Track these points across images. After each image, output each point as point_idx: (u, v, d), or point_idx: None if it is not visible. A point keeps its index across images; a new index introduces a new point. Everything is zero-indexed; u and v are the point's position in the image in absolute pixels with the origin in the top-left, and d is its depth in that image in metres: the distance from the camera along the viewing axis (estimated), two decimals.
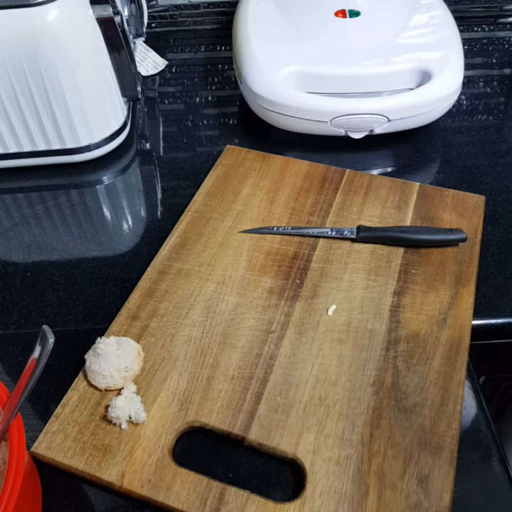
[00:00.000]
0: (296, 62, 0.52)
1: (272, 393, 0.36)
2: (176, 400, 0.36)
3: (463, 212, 0.47)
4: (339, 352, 0.38)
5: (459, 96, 0.56)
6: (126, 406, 0.35)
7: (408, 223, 0.47)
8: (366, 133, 0.51)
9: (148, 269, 0.44)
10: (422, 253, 0.44)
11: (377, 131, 0.51)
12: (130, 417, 0.35)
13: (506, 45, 0.68)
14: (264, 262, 0.44)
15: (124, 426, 0.34)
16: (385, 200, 0.49)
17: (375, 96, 0.51)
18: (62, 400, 0.36)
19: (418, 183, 0.50)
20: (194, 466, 0.34)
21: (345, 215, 0.48)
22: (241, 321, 0.40)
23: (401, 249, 0.44)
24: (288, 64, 0.52)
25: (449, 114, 0.58)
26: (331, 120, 0.50)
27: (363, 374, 0.37)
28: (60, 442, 0.34)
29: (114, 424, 0.35)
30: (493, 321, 0.41)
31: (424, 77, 0.51)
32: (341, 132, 0.51)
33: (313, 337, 0.39)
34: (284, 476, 0.34)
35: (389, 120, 0.50)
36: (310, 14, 0.56)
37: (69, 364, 0.39)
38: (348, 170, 0.51)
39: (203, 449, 0.35)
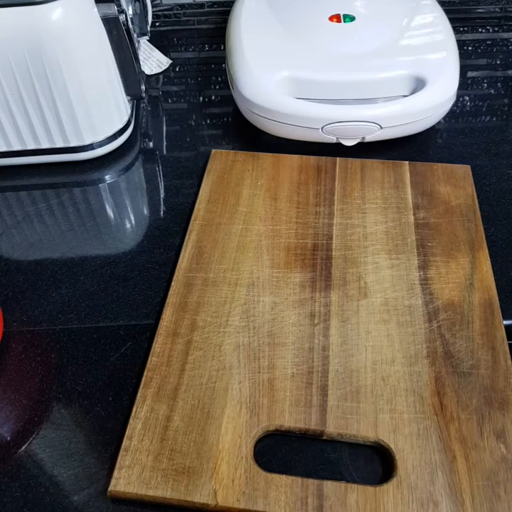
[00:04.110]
0: (289, 68, 0.52)
1: (336, 383, 0.37)
2: (244, 408, 0.35)
3: (456, 183, 0.50)
4: (386, 332, 0.39)
5: (463, 98, 0.57)
6: None
7: (410, 200, 0.49)
8: (358, 140, 0.51)
9: (173, 284, 0.43)
10: (432, 226, 0.46)
11: (369, 138, 0.51)
12: None
13: (510, 47, 0.69)
14: (287, 259, 0.44)
15: None
16: (381, 181, 0.50)
17: (368, 103, 0.51)
18: (127, 432, 0.34)
19: (407, 162, 0.52)
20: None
21: (349, 201, 0.49)
22: (283, 319, 0.40)
23: (412, 226, 0.46)
24: (280, 70, 0.51)
25: (453, 115, 0.59)
26: (322, 127, 0.50)
27: (415, 348, 0.38)
28: (138, 475, 0.33)
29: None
30: None
31: (418, 84, 0.51)
32: (333, 139, 0.51)
33: (358, 322, 0.40)
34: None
35: (381, 127, 0.50)
36: (304, 19, 0.56)
37: (71, 362, 0.39)
38: (338, 158, 0.52)
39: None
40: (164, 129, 0.59)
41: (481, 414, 0.35)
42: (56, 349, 0.40)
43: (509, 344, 0.39)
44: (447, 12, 0.61)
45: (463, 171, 0.51)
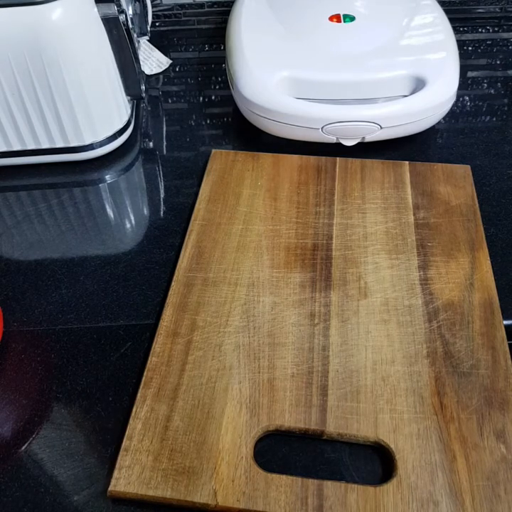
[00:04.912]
0: (289, 68, 0.52)
1: (336, 383, 0.37)
2: (244, 408, 0.35)
3: (455, 183, 0.50)
4: (386, 332, 0.39)
5: (463, 98, 0.57)
6: None
7: (410, 201, 0.49)
8: (358, 140, 0.51)
9: (173, 284, 0.43)
10: (432, 226, 0.46)
11: (369, 138, 0.51)
12: None
13: (510, 47, 0.69)
14: (287, 259, 0.44)
15: None
16: (381, 181, 0.50)
17: (368, 103, 0.51)
18: (127, 432, 0.34)
19: (407, 162, 0.52)
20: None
21: (349, 201, 0.49)
22: (283, 319, 0.40)
23: (412, 226, 0.46)
24: (280, 70, 0.51)
25: (453, 115, 0.59)
26: (322, 127, 0.50)
27: (415, 348, 0.38)
28: (138, 475, 0.33)
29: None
30: None
31: (418, 84, 0.51)
32: (333, 139, 0.51)
33: (358, 322, 0.40)
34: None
35: (381, 127, 0.50)
36: (304, 19, 0.56)
37: (71, 362, 0.39)
38: (338, 158, 0.52)
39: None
40: (164, 129, 0.59)
41: (481, 414, 0.35)
42: (56, 349, 0.40)
43: (509, 344, 0.40)
44: (447, 12, 0.61)
45: (463, 171, 0.51)
